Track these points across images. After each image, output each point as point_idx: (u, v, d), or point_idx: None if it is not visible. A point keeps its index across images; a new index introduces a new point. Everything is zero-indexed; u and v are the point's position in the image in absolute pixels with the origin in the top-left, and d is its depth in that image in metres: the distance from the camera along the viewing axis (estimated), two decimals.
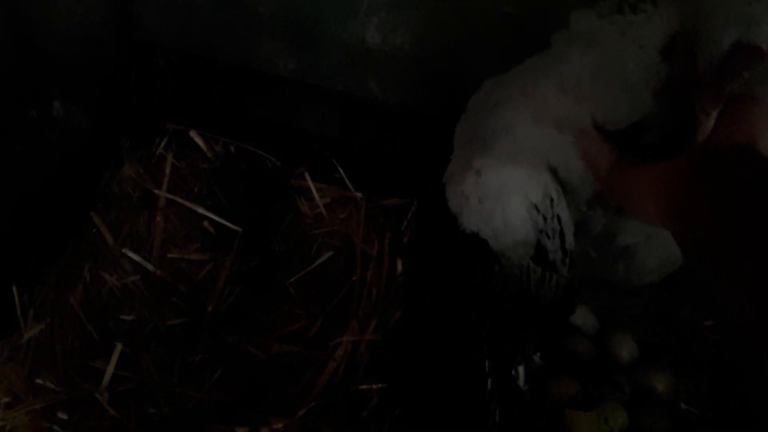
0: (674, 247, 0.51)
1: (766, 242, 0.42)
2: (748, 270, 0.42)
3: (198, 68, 1.01)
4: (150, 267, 0.92)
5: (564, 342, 0.79)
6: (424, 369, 0.84)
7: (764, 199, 0.44)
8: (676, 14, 0.51)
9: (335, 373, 0.85)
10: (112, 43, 0.99)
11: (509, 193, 0.64)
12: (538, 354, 0.77)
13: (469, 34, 0.89)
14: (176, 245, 0.95)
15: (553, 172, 0.63)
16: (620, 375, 0.76)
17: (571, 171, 0.62)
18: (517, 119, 0.62)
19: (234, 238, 0.96)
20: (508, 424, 0.72)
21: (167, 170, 0.99)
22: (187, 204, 0.97)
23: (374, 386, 0.84)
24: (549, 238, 0.66)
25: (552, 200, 0.63)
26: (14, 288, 0.86)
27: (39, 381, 0.81)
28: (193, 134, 1.00)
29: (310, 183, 1.01)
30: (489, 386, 0.74)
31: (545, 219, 0.65)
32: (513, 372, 0.75)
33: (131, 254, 0.92)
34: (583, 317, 0.81)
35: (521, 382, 0.75)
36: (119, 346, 0.83)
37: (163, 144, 1.02)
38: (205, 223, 0.97)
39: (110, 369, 0.82)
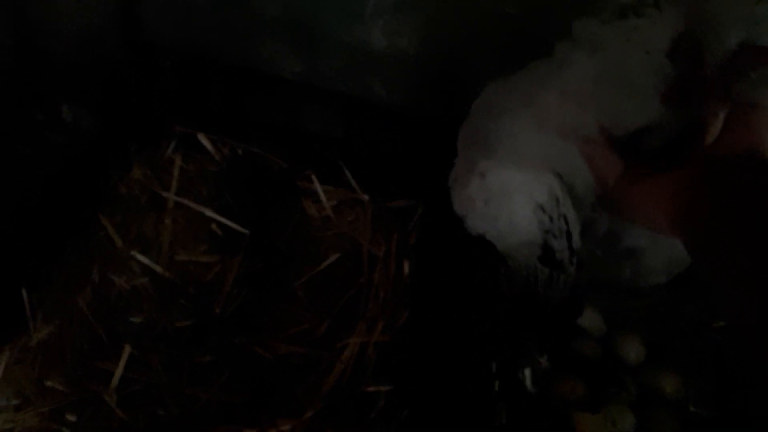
0: (681, 249, 0.51)
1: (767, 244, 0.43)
2: (749, 271, 0.43)
3: (200, 69, 1.01)
4: (158, 269, 0.92)
5: (570, 343, 0.79)
6: (432, 370, 0.84)
7: (766, 202, 0.45)
8: (681, 16, 0.51)
9: (342, 375, 0.85)
10: (114, 44, 1.00)
11: (514, 195, 0.64)
12: (546, 356, 0.77)
13: (471, 35, 0.89)
14: (184, 247, 0.96)
15: (558, 176, 0.63)
16: (627, 376, 0.76)
17: (576, 177, 0.62)
18: (520, 127, 0.62)
19: (241, 240, 0.96)
20: (515, 425, 0.72)
21: (175, 173, 0.99)
22: (195, 206, 0.97)
23: (382, 388, 0.84)
24: (556, 238, 0.66)
25: (558, 200, 0.63)
26: (23, 290, 0.86)
27: (48, 383, 0.81)
28: (200, 137, 1.01)
29: (317, 185, 1.01)
30: (496, 388, 0.74)
31: (551, 219, 0.64)
32: (519, 375, 0.75)
33: (139, 256, 0.92)
34: (590, 319, 0.81)
35: (528, 384, 0.75)
36: (128, 348, 0.83)
37: (171, 147, 1.02)
38: (213, 226, 0.97)
39: (119, 371, 0.82)
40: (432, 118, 0.92)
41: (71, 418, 0.80)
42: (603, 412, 0.72)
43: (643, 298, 0.80)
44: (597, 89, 0.56)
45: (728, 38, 0.47)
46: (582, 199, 0.64)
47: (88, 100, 1.00)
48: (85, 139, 1.02)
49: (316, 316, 0.91)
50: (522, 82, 0.64)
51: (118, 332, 0.87)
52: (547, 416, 0.74)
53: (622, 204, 0.58)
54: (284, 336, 0.89)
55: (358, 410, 0.83)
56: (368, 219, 1.00)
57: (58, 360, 0.84)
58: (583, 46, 0.57)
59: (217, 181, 1.00)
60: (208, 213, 0.97)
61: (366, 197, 1.02)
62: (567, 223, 0.65)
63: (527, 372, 0.75)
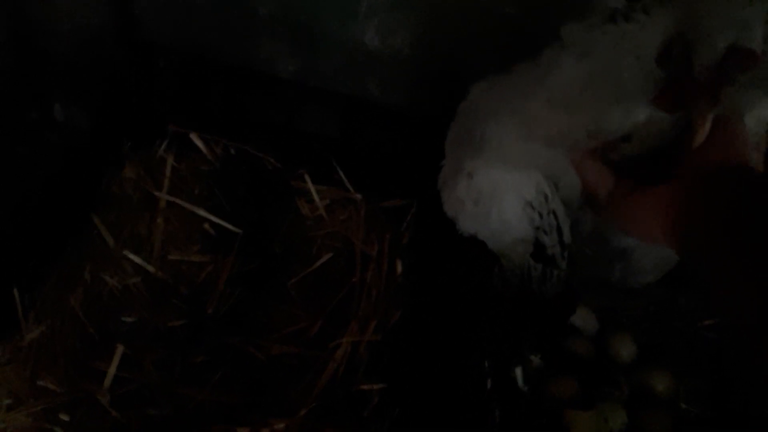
0: (668, 249, 0.52)
1: (761, 247, 0.44)
2: (743, 274, 0.44)
3: (198, 69, 1.01)
4: (151, 269, 0.92)
5: (563, 342, 0.79)
6: (424, 369, 0.84)
7: (756, 209, 0.46)
8: (670, 20, 0.51)
9: (335, 374, 0.85)
10: (112, 43, 0.99)
11: (503, 193, 0.65)
12: (539, 355, 0.78)
13: (468, 34, 0.89)
14: (177, 247, 0.96)
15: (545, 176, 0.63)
16: (620, 375, 0.76)
17: (560, 180, 0.62)
18: (507, 135, 0.62)
19: (234, 239, 0.96)
20: (508, 423, 0.72)
21: (167, 172, 0.99)
22: (188, 206, 0.97)
23: (374, 386, 0.85)
24: (546, 234, 0.66)
25: (546, 197, 0.64)
26: (15, 289, 0.86)
27: (40, 383, 0.81)
28: (193, 136, 1.01)
29: (310, 184, 1.01)
30: (489, 386, 0.75)
31: (541, 216, 0.65)
32: (511, 374, 0.75)
33: (132, 256, 0.92)
34: (583, 318, 0.81)
35: (520, 382, 0.75)
36: (120, 348, 0.83)
37: (163, 146, 1.02)
38: (206, 225, 0.97)
39: (112, 370, 0.82)
40: (428, 118, 0.92)
41: (64, 417, 0.80)
42: (596, 411, 0.72)
43: (636, 297, 0.80)
44: (584, 95, 0.56)
45: (717, 41, 0.47)
46: (568, 199, 0.64)
47: (82, 98, 1.00)
48: (78, 138, 1.01)
49: (309, 315, 0.91)
50: (508, 87, 0.64)
51: (111, 332, 0.87)
52: (540, 414, 0.74)
53: (616, 217, 0.59)
54: (277, 335, 0.89)
55: (351, 409, 0.84)
56: (361, 218, 1.00)
57: (50, 360, 0.84)
58: (571, 51, 0.57)
59: (210, 181, 1.00)
60: (201, 212, 0.97)
61: (359, 196, 1.01)
62: (557, 218, 0.65)
63: (518, 372, 0.75)
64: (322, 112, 1.03)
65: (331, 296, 0.93)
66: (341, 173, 1.01)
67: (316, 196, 1.01)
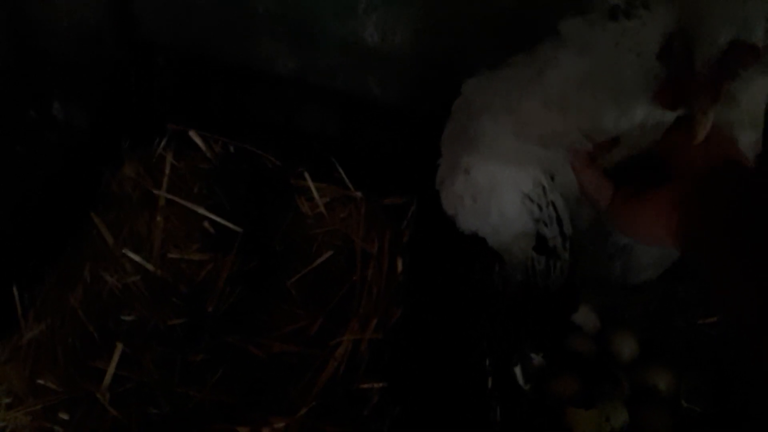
0: None
1: (761, 246, 0.44)
2: (748, 272, 0.44)
3: (198, 68, 1.01)
4: (150, 267, 0.92)
5: (565, 340, 0.79)
6: (425, 367, 0.84)
7: (756, 209, 0.46)
8: (671, 16, 0.51)
9: (336, 372, 0.85)
10: (111, 42, 0.99)
11: (501, 188, 0.64)
12: (540, 353, 0.77)
13: (468, 30, 0.88)
14: (176, 245, 0.95)
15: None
16: (621, 373, 0.76)
17: (557, 174, 0.62)
18: (501, 132, 0.62)
19: (234, 238, 0.96)
20: (509, 422, 0.72)
21: (167, 170, 0.99)
22: (187, 204, 0.97)
23: (375, 385, 0.84)
24: (547, 225, 0.66)
25: (544, 188, 0.63)
26: (15, 288, 0.86)
27: (40, 381, 0.81)
28: (192, 134, 1.00)
29: (309, 182, 1.01)
30: (489, 384, 0.74)
31: (540, 208, 0.65)
32: (512, 372, 0.75)
33: (131, 254, 0.92)
34: (584, 316, 0.81)
35: (521, 381, 0.75)
36: (120, 347, 0.83)
37: (162, 144, 1.02)
38: (206, 224, 0.97)
39: (111, 369, 0.82)
40: (428, 115, 0.92)
41: (64, 416, 0.79)
42: (597, 409, 0.72)
43: (636, 294, 0.80)
44: (580, 94, 0.56)
45: (718, 37, 0.47)
46: (566, 193, 0.64)
47: (81, 97, 1.00)
48: (77, 137, 1.01)
49: (309, 313, 0.91)
50: (503, 82, 0.64)
51: (110, 330, 0.87)
52: (542, 413, 0.74)
53: (620, 223, 0.59)
54: (277, 334, 0.89)
55: (351, 407, 0.83)
56: (361, 216, 1.00)
57: (50, 358, 0.84)
58: (569, 47, 0.57)
59: (210, 179, 1.00)
60: (201, 211, 0.97)
61: (359, 194, 1.01)
62: (556, 209, 0.65)
63: (517, 371, 0.75)
64: (322, 110, 1.03)
65: (331, 294, 0.93)
66: (341, 171, 1.01)
67: (316, 194, 1.01)
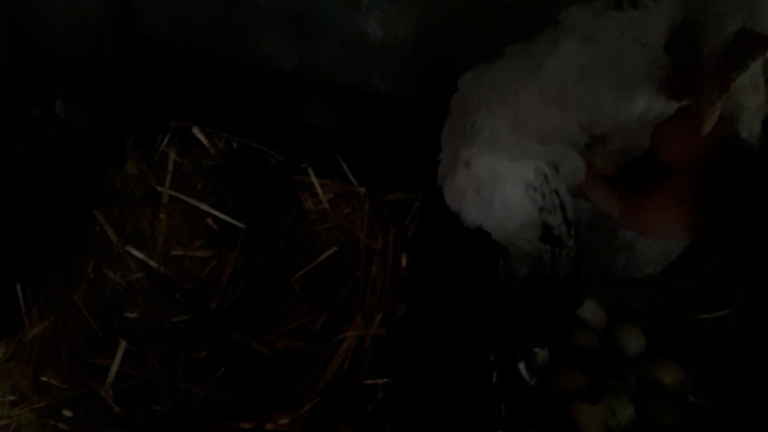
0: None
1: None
2: (761, 261, 0.43)
3: (199, 64, 1.01)
4: (154, 264, 0.92)
5: (570, 335, 0.78)
6: (429, 363, 0.84)
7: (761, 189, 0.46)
8: (677, 5, 0.50)
9: (340, 368, 0.85)
10: (112, 39, 0.99)
11: (503, 178, 0.64)
12: (545, 348, 0.77)
13: (471, 25, 0.88)
14: (180, 242, 0.95)
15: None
16: (627, 367, 0.75)
17: (560, 164, 0.62)
18: (499, 126, 0.62)
19: (238, 234, 0.96)
20: (514, 417, 0.72)
21: (170, 167, 0.99)
22: (191, 201, 0.97)
23: (379, 381, 0.84)
24: (551, 213, 0.65)
25: (546, 176, 0.63)
26: (18, 286, 0.86)
27: (44, 379, 0.81)
28: (195, 131, 1.00)
29: (313, 178, 1.01)
30: (494, 380, 0.74)
31: (543, 196, 0.64)
32: (517, 367, 0.75)
33: (135, 251, 0.92)
34: (590, 311, 0.80)
35: (526, 376, 0.75)
36: (123, 344, 0.83)
37: (165, 141, 1.01)
38: (209, 220, 0.97)
39: (115, 366, 0.82)
40: (431, 110, 0.92)
41: (67, 413, 0.79)
42: (603, 404, 0.71)
43: (641, 289, 0.80)
44: (580, 86, 0.56)
45: (726, 26, 0.46)
46: (567, 183, 0.64)
47: (83, 95, 1.00)
48: (80, 135, 1.01)
49: (313, 309, 0.91)
50: (500, 73, 0.63)
51: (114, 328, 0.87)
52: (547, 408, 0.73)
53: (636, 227, 0.59)
54: (281, 330, 0.89)
55: (356, 403, 0.83)
56: (365, 212, 1.00)
57: (53, 355, 0.84)
58: (571, 36, 0.57)
59: (213, 176, 1.00)
60: (204, 207, 0.97)
61: (363, 190, 1.01)
62: (559, 196, 0.64)
63: (521, 366, 0.75)
64: (324, 105, 1.02)
65: (335, 290, 0.92)
66: (345, 167, 1.01)
67: (319, 190, 1.01)
